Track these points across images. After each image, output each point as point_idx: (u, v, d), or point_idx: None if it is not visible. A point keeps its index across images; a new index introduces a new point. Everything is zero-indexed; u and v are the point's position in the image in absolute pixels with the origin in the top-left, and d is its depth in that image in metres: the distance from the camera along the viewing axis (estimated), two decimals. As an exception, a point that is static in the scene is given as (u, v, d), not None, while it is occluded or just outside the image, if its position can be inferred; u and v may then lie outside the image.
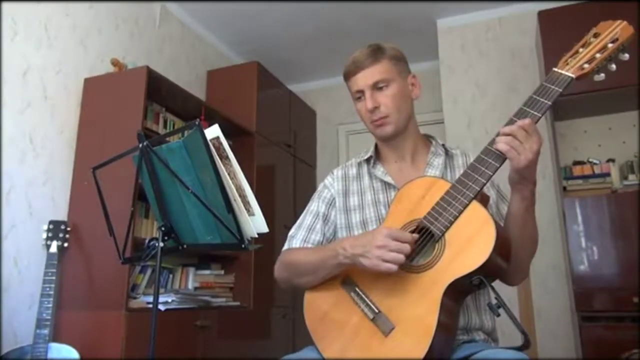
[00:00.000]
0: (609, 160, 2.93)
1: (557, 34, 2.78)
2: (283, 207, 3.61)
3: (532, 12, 3.15)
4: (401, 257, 1.05)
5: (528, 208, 1.14)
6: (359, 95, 1.35)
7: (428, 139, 1.44)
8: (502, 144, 1.07)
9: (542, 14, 2.95)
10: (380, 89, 1.32)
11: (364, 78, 1.32)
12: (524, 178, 1.10)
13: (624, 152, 2.99)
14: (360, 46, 1.37)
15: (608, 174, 2.86)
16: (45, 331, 2.01)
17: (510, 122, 1.10)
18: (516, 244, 1.14)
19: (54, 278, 2.11)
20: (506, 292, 1.37)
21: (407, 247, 1.06)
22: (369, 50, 1.34)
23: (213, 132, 1.36)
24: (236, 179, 1.36)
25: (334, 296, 1.21)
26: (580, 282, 2.55)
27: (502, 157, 1.09)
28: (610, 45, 1.09)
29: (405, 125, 1.36)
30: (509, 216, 1.17)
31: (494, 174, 1.10)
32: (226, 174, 1.32)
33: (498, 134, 1.10)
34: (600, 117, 3.10)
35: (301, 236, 1.39)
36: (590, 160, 2.97)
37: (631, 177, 2.81)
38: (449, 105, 3.53)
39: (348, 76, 1.37)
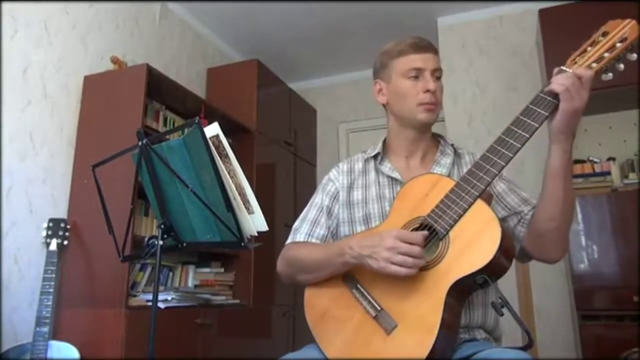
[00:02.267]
0: (609, 159, 2.93)
1: (558, 32, 2.77)
2: (283, 206, 3.61)
3: (532, 11, 3.14)
4: (410, 261, 1.04)
5: (568, 163, 1.12)
6: (415, 74, 1.32)
7: (436, 137, 1.44)
8: (557, 85, 1.06)
9: (542, 13, 2.94)
10: (438, 78, 1.33)
11: (430, 60, 1.32)
12: (570, 126, 1.08)
13: (624, 151, 2.99)
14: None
15: (608, 173, 2.85)
16: (45, 329, 2.01)
17: (518, 119, 1.10)
18: (559, 204, 1.12)
19: (53, 276, 2.10)
20: (506, 290, 1.37)
21: (416, 250, 1.04)
22: (430, 42, 1.36)
23: (213, 130, 1.35)
24: (236, 177, 1.35)
25: (336, 293, 1.20)
26: (581, 280, 2.55)
27: (517, 146, 1.07)
28: (618, 44, 1.08)
29: None
30: (550, 175, 1.13)
31: (499, 172, 1.10)
32: (226, 172, 1.32)
33: (538, 96, 1.09)
34: (600, 116, 3.09)
35: (305, 230, 1.37)
36: (591, 158, 2.96)
37: (631, 175, 2.80)
38: (450, 104, 3.52)
39: (405, 53, 1.34)
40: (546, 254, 1.21)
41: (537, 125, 1.08)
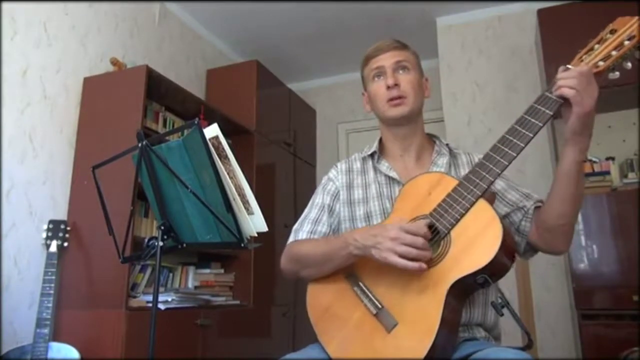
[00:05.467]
0: (608, 159, 2.93)
1: (557, 32, 2.77)
2: (283, 206, 3.61)
3: (531, 11, 3.15)
4: (414, 252, 1.03)
5: (582, 162, 1.12)
6: (378, 72, 1.36)
7: (431, 138, 1.45)
8: (566, 89, 1.04)
9: (542, 13, 2.94)
10: (402, 70, 1.34)
11: (387, 58, 1.35)
12: (586, 126, 1.07)
13: (623, 150, 2.99)
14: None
15: (608, 172, 2.85)
16: (46, 330, 2.01)
17: (522, 119, 1.09)
18: (570, 202, 1.12)
19: (53, 277, 2.10)
20: (506, 290, 1.37)
21: (420, 241, 1.04)
22: (394, 40, 1.38)
23: (212, 131, 1.36)
24: (235, 178, 1.36)
25: (337, 290, 1.21)
26: (580, 280, 2.55)
27: (520, 146, 1.06)
28: (627, 42, 1.06)
29: (417, 114, 1.37)
30: (563, 174, 1.13)
31: (502, 171, 1.09)
32: (225, 173, 1.32)
33: (546, 93, 1.07)
34: (600, 115, 3.06)
35: (307, 228, 1.38)
36: (590, 158, 2.96)
37: (631, 175, 2.80)
38: (449, 104, 3.53)
39: (369, 58, 1.39)
40: (554, 247, 1.22)
41: (540, 125, 1.08)
